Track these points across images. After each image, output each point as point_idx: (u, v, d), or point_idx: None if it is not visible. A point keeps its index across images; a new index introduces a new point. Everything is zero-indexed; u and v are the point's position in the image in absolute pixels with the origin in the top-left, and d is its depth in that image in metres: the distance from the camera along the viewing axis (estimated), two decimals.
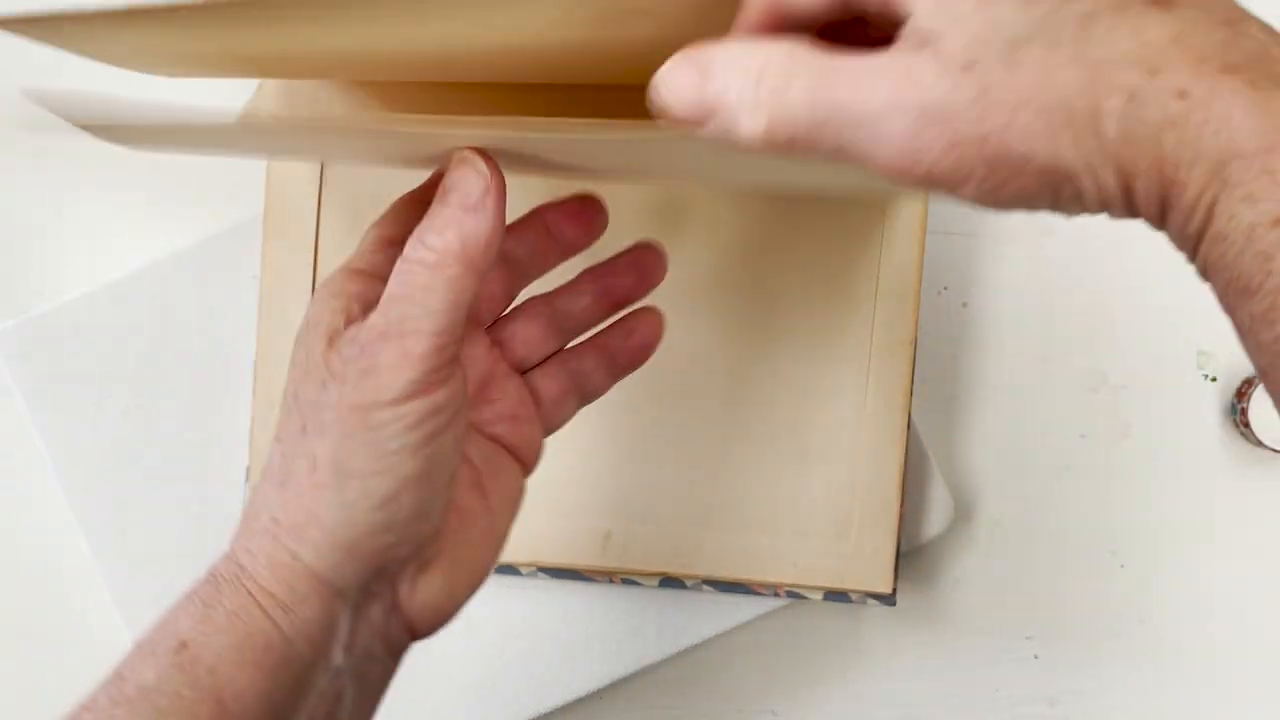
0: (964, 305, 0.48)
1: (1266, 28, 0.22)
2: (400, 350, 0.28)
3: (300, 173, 0.43)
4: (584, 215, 0.35)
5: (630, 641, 0.45)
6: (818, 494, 0.43)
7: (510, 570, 0.44)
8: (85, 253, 0.48)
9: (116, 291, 0.45)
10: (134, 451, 0.45)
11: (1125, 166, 0.21)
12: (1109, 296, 0.48)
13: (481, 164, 0.29)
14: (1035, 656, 0.48)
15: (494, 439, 0.34)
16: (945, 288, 0.49)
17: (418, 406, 0.29)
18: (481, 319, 0.35)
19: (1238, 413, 0.47)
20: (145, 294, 0.45)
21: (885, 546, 0.43)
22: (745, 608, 0.45)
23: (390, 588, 0.31)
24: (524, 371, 0.35)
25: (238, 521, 0.31)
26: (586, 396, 0.36)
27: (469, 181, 0.29)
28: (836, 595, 0.44)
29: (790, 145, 0.23)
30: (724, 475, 0.44)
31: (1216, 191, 0.20)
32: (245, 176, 0.46)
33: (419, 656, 0.45)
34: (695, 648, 0.46)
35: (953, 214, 0.49)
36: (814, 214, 0.43)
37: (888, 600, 0.44)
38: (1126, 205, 0.22)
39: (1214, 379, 0.48)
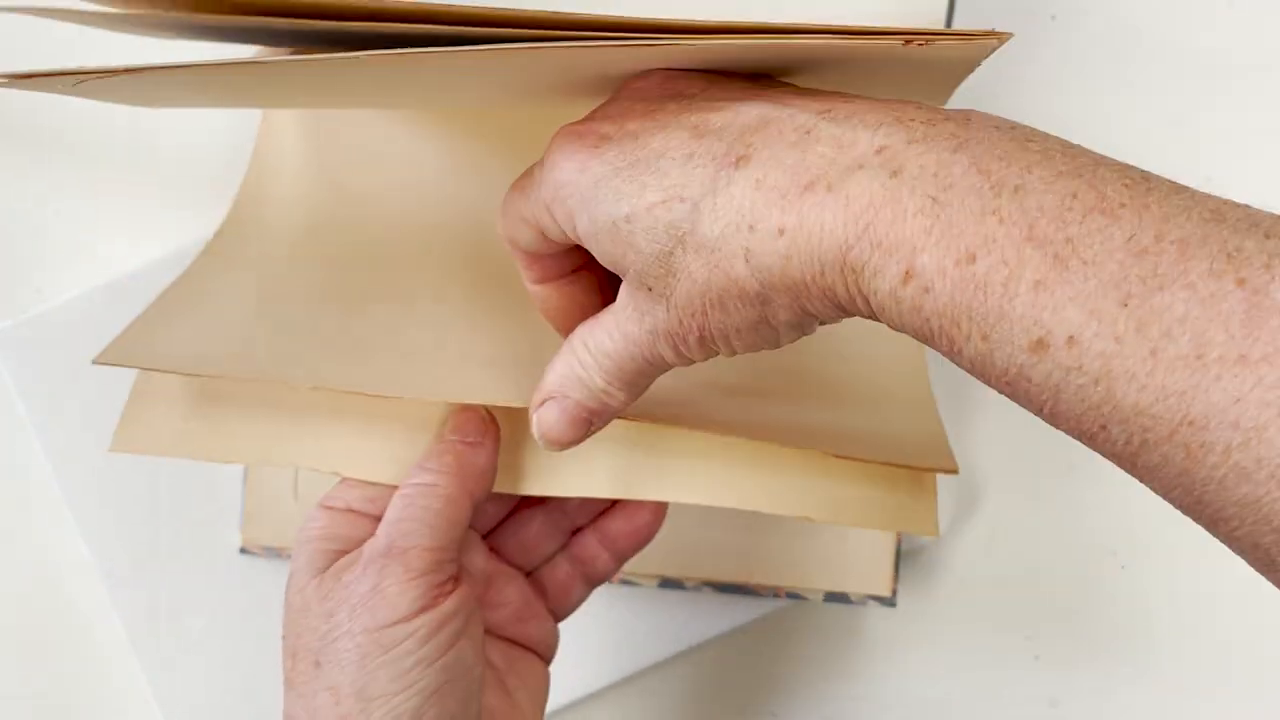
0: None
1: (834, 139, 0.25)
2: (403, 567, 0.30)
3: (277, 184, 0.42)
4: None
5: (629, 643, 0.45)
6: (858, 438, 0.38)
7: None
8: (85, 253, 0.48)
9: (116, 291, 0.45)
10: None
11: (793, 301, 0.25)
12: None
13: (484, 412, 0.34)
14: (1036, 657, 0.48)
15: (507, 640, 0.35)
16: None
17: (429, 619, 0.30)
18: (478, 527, 0.36)
19: None
20: (145, 294, 0.45)
21: (885, 548, 0.42)
22: (745, 609, 0.45)
23: None
24: (529, 571, 0.37)
25: None
26: (594, 581, 0.37)
27: (470, 423, 0.33)
28: (836, 596, 0.44)
29: (636, 378, 0.29)
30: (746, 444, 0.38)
31: (852, 283, 0.24)
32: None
33: None
34: (694, 648, 0.46)
35: None
36: None
37: (888, 601, 0.44)
38: (834, 313, 0.26)
39: None
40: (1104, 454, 0.23)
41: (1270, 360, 0.20)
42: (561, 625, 0.45)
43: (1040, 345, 0.22)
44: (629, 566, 0.42)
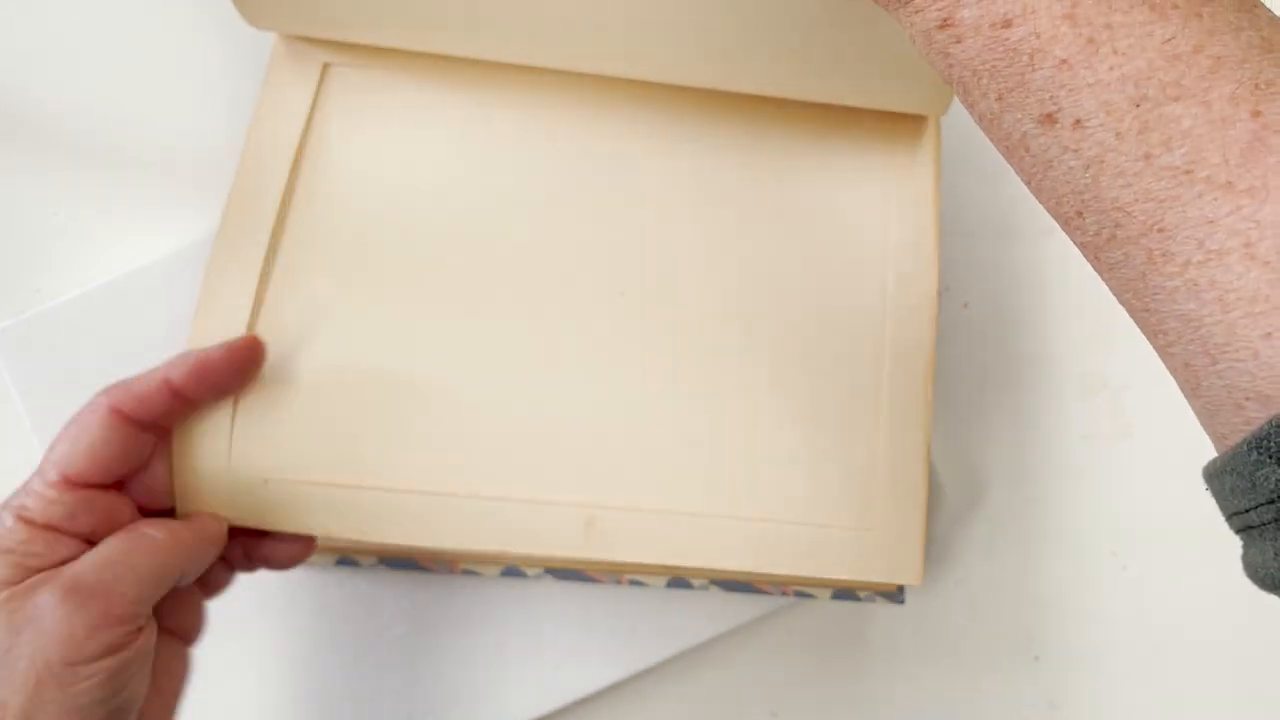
0: (965, 306, 0.48)
1: None
2: (103, 610, 0.29)
3: (265, 177, 0.42)
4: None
5: (631, 642, 0.45)
6: (834, 477, 0.39)
7: (517, 573, 0.44)
8: (85, 253, 0.48)
9: (116, 291, 0.45)
10: None
11: None
12: (1110, 297, 0.48)
13: (224, 520, 0.36)
14: (1036, 658, 0.48)
15: (160, 630, 0.34)
16: (946, 288, 0.49)
17: (112, 663, 0.30)
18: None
19: None
20: (145, 294, 0.45)
21: (913, 534, 0.39)
22: (749, 607, 0.45)
23: None
24: None
25: None
26: (241, 569, 0.38)
27: (210, 525, 0.35)
28: (844, 594, 0.44)
29: None
30: (728, 458, 0.39)
31: (892, 9, 0.25)
32: None
33: (418, 657, 0.45)
34: (695, 648, 0.46)
35: (953, 215, 0.49)
36: (819, 185, 0.42)
37: (896, 598, 0.43)
38: None
39: None
40: (1074, 240, 0.24)
41: (1254, 193, 0.20)
42: (562, 626, 0.45)
43: (1049, 120, 0.22)
44: (619, 554, 0.41)
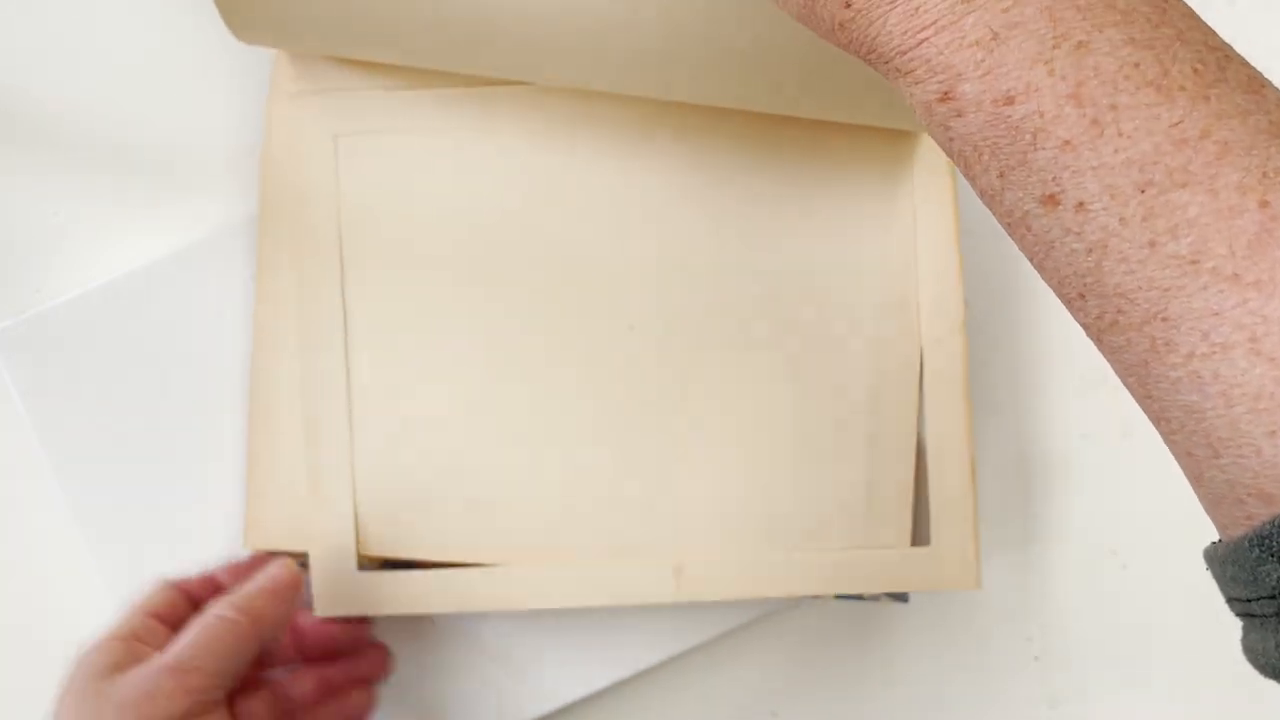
0: (965, 305, 0.48)
1: None
2: (182, 682, 0.35)
3: (294, 170, 0.43)
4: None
5: (632, 642, 0.45)
6: (886, 493, 0.42)
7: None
8: (85, 253, 0.48)
9: (116, 291, 0.45)
10: (132, 452, 0.45)
11: (816, 29, 0.25)
12: None
13: (297, 567, 0.40)
14: (1036, 658, 0.48)
15: None
16: None
17: None
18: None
19: None
20: (145, 294, 0.45)
21: (966, 544, 0.41)
22: (750, 607, 0.45)
23: None
24: None
25: None
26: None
27: (282, 574, 0.39)
28: (849, 594, 0.44)
29: None
30: (782, 484, 0.42)
31: (890, 75, 0.24)
32: (244, 176, 0.46)
33: (419, 657, 0.45)
34: (695, 648, 0.46)
35: None
36: (827, 202, 0.43)
37: (900, 598, 0.43)
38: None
39: None
40: (1076, 319, 0.23)
41: (1260, 286, 0.20)
42: (562, 626, 0.45)
43: (1051, 201, 0.22)
44: (704, 597, 0.42)
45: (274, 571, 0.39)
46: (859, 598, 0.44)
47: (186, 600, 0.40)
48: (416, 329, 0.43)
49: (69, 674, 0.37)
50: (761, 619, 0.46)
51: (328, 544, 0.41)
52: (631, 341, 0.42)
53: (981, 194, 0.24)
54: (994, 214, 0.24)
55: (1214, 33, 0.23)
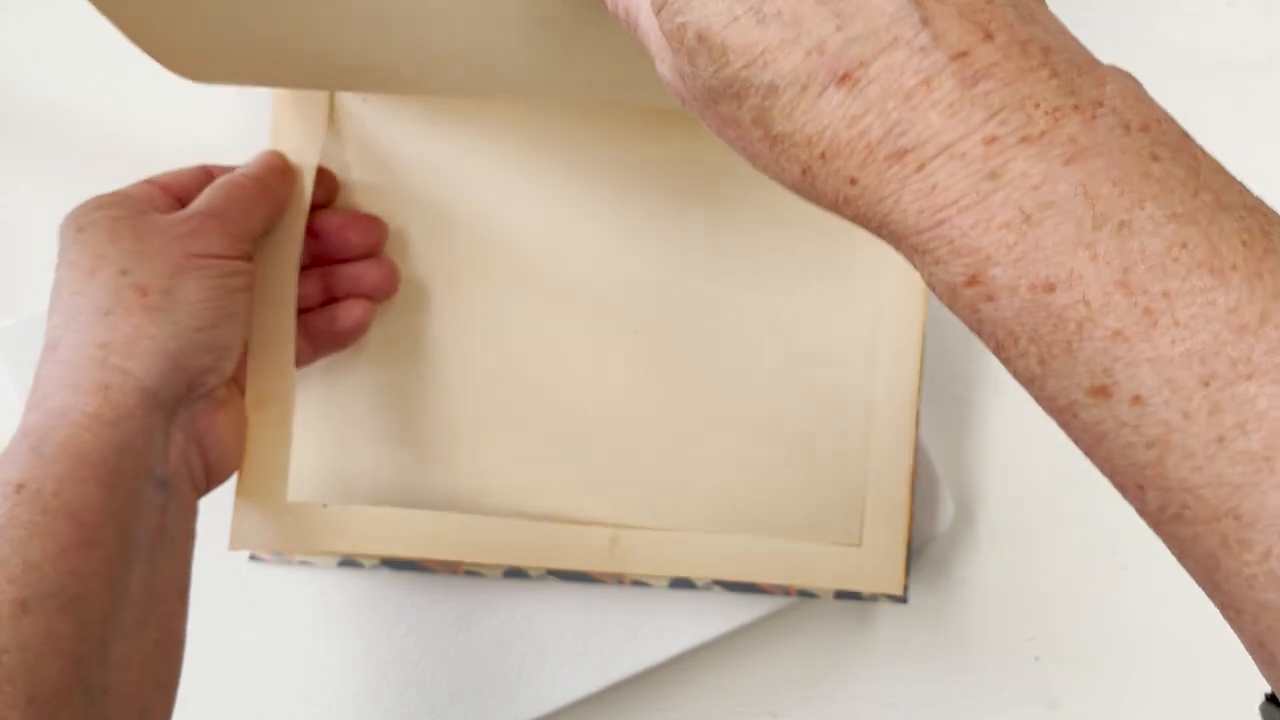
0: None
1: (948, 105, 0.21)
2: (224, 227, 0.38)
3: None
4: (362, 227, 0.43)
5: (633, 642, 0.45)
6: (827, 494, 0.43)
7: (519, 574, 0.44)
8: None
9: None
10: None
11: (831, 206, 0.23)
12: None
13: (284, 156, 0.42)
14: (1036, 658, 0.48)
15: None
16: None
17: (229, 265, 0.37)
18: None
19: None
20: None
21: (896, 547, 0.43)
22: (750, 607, 0.45)
23: (192, 413, 0.37)
24: None
25: (36, 387, 0.36)
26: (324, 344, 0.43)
27: (274, 158, 0.41)
28: (847, 594, 0.44)
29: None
30: (730, 476, 0.44)
31: (909, 254, 0.22)
32: None
33: (419, 657, 0.45)
34: (695, 648, 0.46)
35: None
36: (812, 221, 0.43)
37: (899, 598, 0.44)
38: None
39: None
40: (1132, 506, 0.22)
41: None
42: (563, 626, 0.45)
43: (1101, 392, 0.20)
44: (635, 570, 0.43)
45: (265, 156, 0.41)
46: (857, 597, 0.44)
47: (185, 183, 0.41)
48: (417, 331, 0.43)
49: (86, 207, 0.37)
50: (762, 619, 0.46)
51: (261, 477, 0.41)
52: (632, 343, 0.44)
53: (1018, 376, 0.22)
54: (1034, 398, 0.22)
55: (1245, 187, 0.21)
